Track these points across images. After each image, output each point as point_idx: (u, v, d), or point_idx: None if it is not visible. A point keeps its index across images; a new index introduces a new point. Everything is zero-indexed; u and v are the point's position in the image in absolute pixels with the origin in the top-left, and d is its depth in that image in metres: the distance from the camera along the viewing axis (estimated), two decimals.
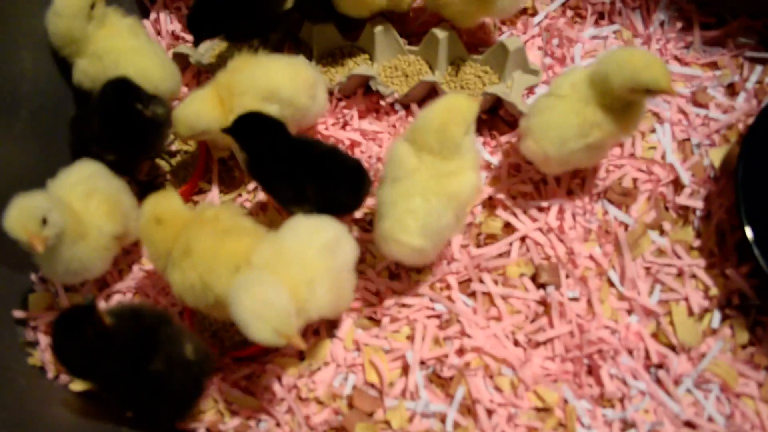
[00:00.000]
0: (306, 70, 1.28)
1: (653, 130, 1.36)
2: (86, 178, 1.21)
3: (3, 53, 1.21)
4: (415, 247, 1.08)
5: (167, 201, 1.13)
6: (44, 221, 1.07)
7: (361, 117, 1.43)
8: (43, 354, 1.26)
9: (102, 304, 1.31)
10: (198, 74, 1.53)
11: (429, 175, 1.08)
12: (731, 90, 1.39)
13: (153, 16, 1.61)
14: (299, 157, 1.15)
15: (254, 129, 1.14)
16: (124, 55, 1.29)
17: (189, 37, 1.59)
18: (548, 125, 1.17)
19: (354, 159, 1.19)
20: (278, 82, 1.22)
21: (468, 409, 1.13)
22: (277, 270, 1.01)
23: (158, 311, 1.11)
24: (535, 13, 1.52)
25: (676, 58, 1.45)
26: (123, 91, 1.22)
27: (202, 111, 1.23)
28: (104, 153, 1.27)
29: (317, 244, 1.05)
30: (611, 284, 1.22)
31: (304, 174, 1.15)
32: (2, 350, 1.22)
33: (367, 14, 1.41)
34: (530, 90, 1.41)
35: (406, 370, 1.17)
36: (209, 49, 1.51)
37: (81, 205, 1.17)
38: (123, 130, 1.23)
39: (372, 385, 1.17)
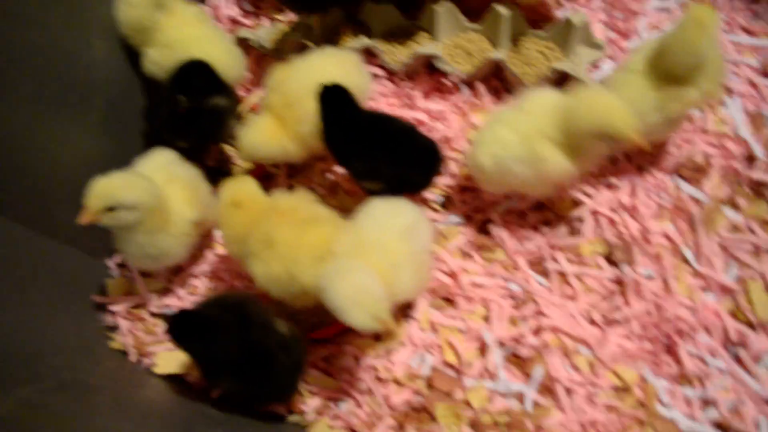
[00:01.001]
0: (344, 53, 1.28)
1: (723, 104, 1.34)
2: (165, 165, 1.23)
3: (76, 42, 1.22)
4: (477, 163, 1.16)
5: (245, 186, 1.15)
6: (111, 209, 1.10)
7: (426, 97, 1.43)
8: (124, 338, 1.29)
9: (179, 290, 1.33)
10: (260, 59, 1.53)
11: (533, 124, 1.11)
12: None
13: (212, 1, 1.61)
14: (377, 132, 1.17)
15: (336, 100, 1.15)
16: (193, 44, 1.30)
17: (248, 22, 1.59)
18: (626, 100, 1.16)
19: (429, 139, 1.20)
20: (329, 73, 1.19)
21: (547, 388, 1.14)
22: (360, 257, 1.02)
23: (243, 293, 1.14)
24: None
25: (744, 29, 1.42)
26: (189, 78, 1.24)
27: (261, 140, 1.24)
28: (175, 140, 1.29)
29: (397, 229, 1.06)
30: (686, 262, 1.21)
31: (380, 149, 1.16)
32: (88, 335, 1.26)
33: None
34: (594, 64, 1.39)
35: (482, 350, 1.18)
36: (270, 33, 1.51)
37: (162, 192, 1.19)
38: (189, 118, 1.25)
39: (450, 366, 1.18)
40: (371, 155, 1.16)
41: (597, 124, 1.04)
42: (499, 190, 1.23)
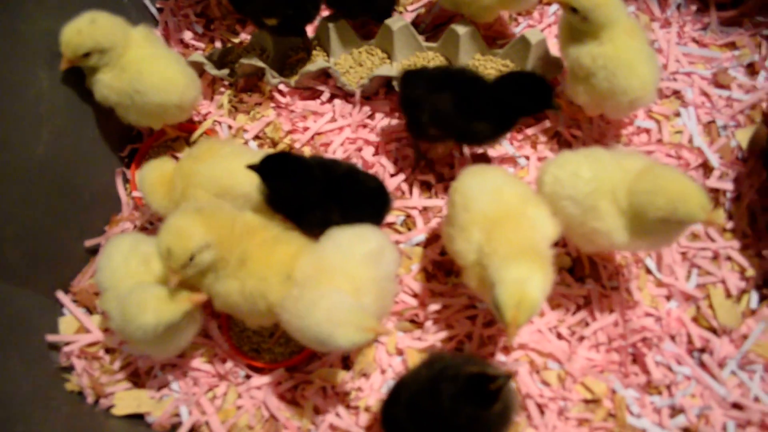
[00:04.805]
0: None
1: (678, 114, 1.45)
2: (129, 250, 1.24)
3: (21, 74, 1.26)
4: (540, 178, 1.20)
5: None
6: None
7: (387, 116, 1.51)
8: (80, 379, 1.33)
9: None
10: (213, 82, 1.60)
11: (615, 181, 1.10)
12: (751, 69, 1.49)
13: (161, 25, 1.68)
14: (322, 183, 1.21)
15: (278, 169, 1.19)
16: (146, 65, 1.34)
17: (199, 45, 1.66)
18: None
19: (374, 177, 1.25)
20: (236, 180, 1.23)
21: (518, 405, 1.22)
22: (321, 282, 1.07)
23: None
24: (550, 3, 1.61)
25: (695, 40, 1.55)
26: None
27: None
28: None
29: (360, 254, 1.11)
30: (648, 272, 1.31)
31: (329, 198, 1.21)
32: (41, 378, 1.28)
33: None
34: (554, 80, 1.49)
35: None
36: (223, 56, 1.58)
37: (145, 271, 1.21)
38: None
39: None
40: (322, 207, 1.21)
41: (667, 209, 1.02)
42: None
